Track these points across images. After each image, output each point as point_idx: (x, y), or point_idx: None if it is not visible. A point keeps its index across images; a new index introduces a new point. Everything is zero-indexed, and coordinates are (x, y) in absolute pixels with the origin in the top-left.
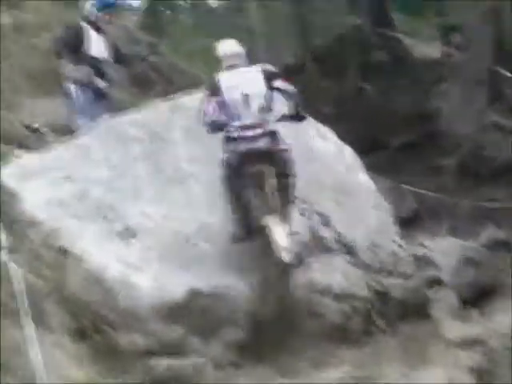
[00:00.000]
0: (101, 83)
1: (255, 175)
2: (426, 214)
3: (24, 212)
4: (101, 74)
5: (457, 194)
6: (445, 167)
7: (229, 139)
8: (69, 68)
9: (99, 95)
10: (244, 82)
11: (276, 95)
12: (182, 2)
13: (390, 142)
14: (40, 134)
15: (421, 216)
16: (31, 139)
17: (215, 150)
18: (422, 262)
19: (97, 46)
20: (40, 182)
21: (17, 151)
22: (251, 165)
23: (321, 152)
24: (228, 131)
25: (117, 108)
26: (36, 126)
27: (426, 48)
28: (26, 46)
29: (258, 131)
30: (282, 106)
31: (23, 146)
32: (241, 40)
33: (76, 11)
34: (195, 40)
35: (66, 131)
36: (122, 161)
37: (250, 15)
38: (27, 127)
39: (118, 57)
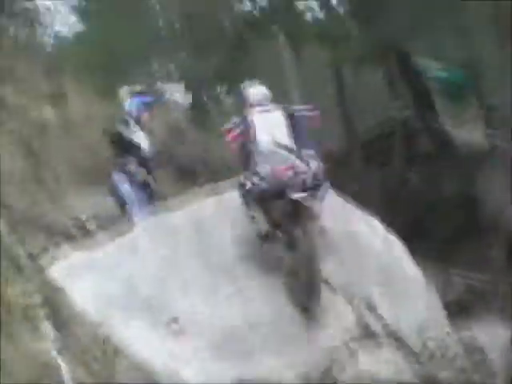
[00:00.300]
0: (146, 175)
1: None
2: (474, 299)
3: (72, 307)
4: (146, 166)
5: (504, 277)
6: (492, 253)
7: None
8: (116, 161)
9: (145, 187)
10: (271, 125)
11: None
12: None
13: (435, 228)
14: (87, 227)
15: (469, 301)
16: (78, 232)
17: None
18: (471, 347)
19: (141, 140)
20: (88, 277)
21: (64, 245)
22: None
23: (367, 240)
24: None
25: (162, 200)
26: (83, 218)
27: (470, 133)
28: (71, 140)
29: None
30: None
31: (69, 238)
32: None
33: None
34: None
35: (112, 223)
36: (170, 255)
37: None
38: (74, 220)
39: (162, 151)
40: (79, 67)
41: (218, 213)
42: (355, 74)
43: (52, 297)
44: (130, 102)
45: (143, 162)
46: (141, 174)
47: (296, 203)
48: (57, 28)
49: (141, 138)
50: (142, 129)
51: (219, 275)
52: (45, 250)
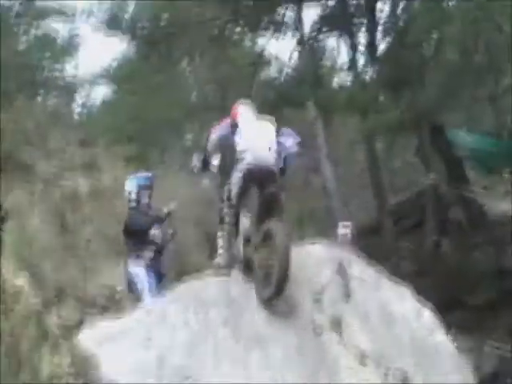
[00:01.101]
0: (158, 261)
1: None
2: (508, 372)
3: (103, 377)
4: (160, 253)
5: None
6: None
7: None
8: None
9: (157, 274)
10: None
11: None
12: None
13: (469, 299)
14: (119, 298)
15: (502, 374)
16: (109, 302)
17: (289, 313)
18: None
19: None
20: (119, 347)
21: (96, 315)
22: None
23: (399, 313)
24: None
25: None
26: (118, 289)
27: (502, 204)
28: (102, 210)
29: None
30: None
31: (101, 308)
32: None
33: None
34: None
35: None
36: (201, 325)
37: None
38: (105, 289)
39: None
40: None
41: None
42: (387, 146)
43: (84, 367)
44: (129, 183)
45: (158, 249)
46: (155, 260)
47: (274, 195)
48: (88, 97)
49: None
50: (148, 211)
51: (248, 341)
52: (78, 320)
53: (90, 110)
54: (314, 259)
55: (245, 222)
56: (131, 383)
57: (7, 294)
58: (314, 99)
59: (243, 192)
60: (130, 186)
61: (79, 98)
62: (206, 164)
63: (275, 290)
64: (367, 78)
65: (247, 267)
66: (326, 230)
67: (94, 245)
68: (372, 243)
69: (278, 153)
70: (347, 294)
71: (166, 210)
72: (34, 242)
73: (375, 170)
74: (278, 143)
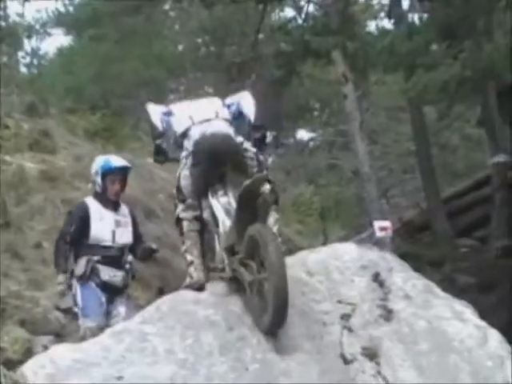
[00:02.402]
0: (107, 274)
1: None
2: None
3: None
4: (114, 261)
5: None
6: None
7: None
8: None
9: (111, 289)
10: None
11: None
12: None
13: None
14: (74, 316)
15: None
16: (63, 323)
17: (309, 336)
18: None
19: (104, 229)
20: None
21: (45, 339)
22: None
23: (456, 338)
24: None
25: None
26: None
27: None
28: (57, 201)
29: None
30: None
31: (52, 332)
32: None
33: None
34: None
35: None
36: (192, 353)
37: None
38: (57, 308)
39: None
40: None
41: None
42: (440, 114)
43: None
44: (94, 166)
45: (107, 257)
46: (106, 272)
47: (253, 186)
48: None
49: (102, 225)
50: (107, 207)
51: (255, 375)
52: (25, 349)
53: (40, 65)
54: (343, 265)
55: (226, 223)
56: None
57: None
58: (342, 48)
59: (200, 183)
60: (94, 170)
61: (26, 49)
62: (163, 152)
63: (273, 319)
64: (414, 21)
65: (236, 282)
66: (356, 227)
67: (46, 247)
68: (419, 246)
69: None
70: (386, 312)
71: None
72: None
73: (424, 147)
74: (228, 107)
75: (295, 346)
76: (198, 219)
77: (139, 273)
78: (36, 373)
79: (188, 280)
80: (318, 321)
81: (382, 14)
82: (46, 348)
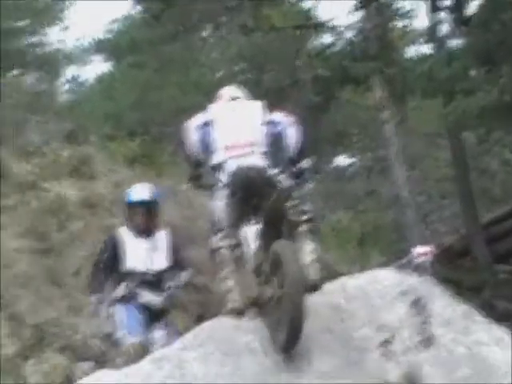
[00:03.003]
0: (146, 297)
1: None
2: None
3: None
4: (152, 286)
5: None
6: None
7: None
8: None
9: (150, 313)
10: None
11: None
12: None
13: None
14: (113, 342)
15: None
16: (103, 350)
17: (349, 362)
18: None
19: (138, 257)
20: None
21: (85, 365)
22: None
23: (497, 364)
24: None
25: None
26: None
27: None
28: (96, 227)
29: None
30: None
31: (91, 358)
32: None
33: None
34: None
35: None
36: (232, 381)
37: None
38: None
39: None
40: None
41: None
42: (479, 140)
43: None
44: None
45: (144, 281)
46: (144, 295)
47: (276, 205)
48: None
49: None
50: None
51: None
52: (65, 377)
53: (79, 92)
54: (382, 291)
55: (251, 247)
56: None
57: None
58: (380, 74)
59: (236, 213)
60: (124, 200)
61: (66, 76)
62: (198, 177)
63: (287, 337)
64: (453, 46)
65: (261, 305)
66: (396, 253)
67: (85, 274)
68: (459, 271)
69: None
70: (427, 338)
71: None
72: (7, 270)
73: (463, 172)
74: (271, 124)
75: (334, 373)
76: (235, 247)
77: (178, 299)
78: None
79: (226, 307)
80: (357, 347)
81: (421, 40)
82: (86, 375)
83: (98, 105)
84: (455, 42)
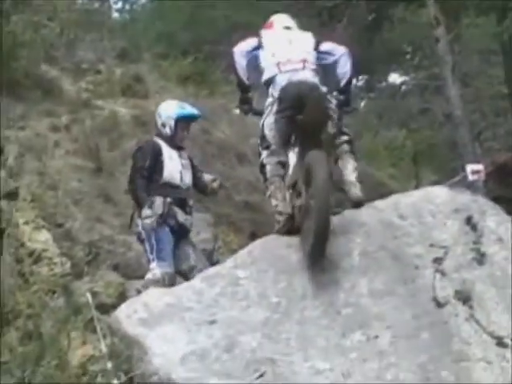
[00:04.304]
0: (181, 216)
1: None
2: None
3: (154, 369)
4: (181, 204)
5: None
6: None
7: None
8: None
9: (180, 232)
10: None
11: None
12: None
13: None
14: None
15: None
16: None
17: (401, 279)
18: None
19: (174, 169)
20: (174, 328)
21: (138, 283)
22: None
23: None
24: None
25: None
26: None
27: None
28: None
29: None
30: None
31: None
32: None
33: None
34: None
35: None
36: (285, 297)
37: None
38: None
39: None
40: None
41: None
42: None
43: (128, 355)
44: (167, 109)
45: (178, 199)
46: (180, 214)
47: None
48: None
49: (174, 167)
50: (178, 150)
51: (347, 319)
52: (119, 293)
53: (132, 11)
54: (435, 208)
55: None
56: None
57: (25, 256)
58: None
59: (285, 129)
60: (168, 114)
61: None
62: (247, 101)
63: (313, 243)
64: None
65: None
66: (449, 171)
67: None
68: None
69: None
70: (480, 256)
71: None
72: (60, 187)
73: None
74: (322, 53)
75: (388, 290)
76: (282, 164)
77: (232, 217)
78: (129, 317)
79: (276, 226)
80: (410, 264)
81: None
82: (139, 292)
83: (150, 23)
84: None
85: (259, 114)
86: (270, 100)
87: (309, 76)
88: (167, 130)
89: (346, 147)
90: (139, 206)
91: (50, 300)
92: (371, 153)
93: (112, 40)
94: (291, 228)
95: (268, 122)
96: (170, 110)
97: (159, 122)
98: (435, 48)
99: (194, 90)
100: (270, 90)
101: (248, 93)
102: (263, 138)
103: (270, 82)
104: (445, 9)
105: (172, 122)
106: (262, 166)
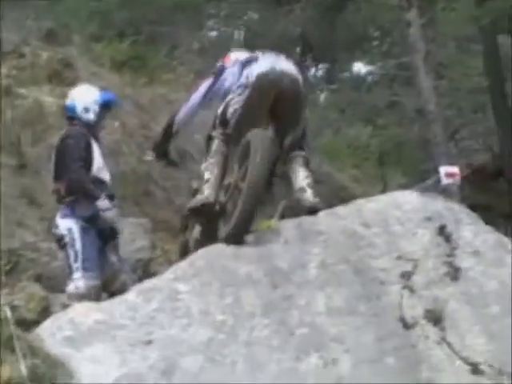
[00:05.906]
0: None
1: None
2: None
3: None
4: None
5: None
6: None
7: None
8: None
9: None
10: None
11: None
12: None
13: None
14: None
15: None
16: None
17: (365, 296)
18: None
19: (100, 163)
20: (104, 348)
21: (64, 297)
22: None
23: None
24: None
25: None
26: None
27: None
28: None
29: None
30: None
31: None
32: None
33: None
34: None
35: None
36: (231, 314)
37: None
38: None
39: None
40: None
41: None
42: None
43: (53, 378)
44: (88, 94)
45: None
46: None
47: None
48: None
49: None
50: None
51: (302, 339)
52: (42, 310)
53: None
54: (403, 215)
55: None
56: None
57: None
58: None
59: (250, 115)
60: (93, 98)
61: None
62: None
63: (233, 227)
64: None
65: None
66: (420, 174)
67: None
68: (491, 195)
69: None
70: (453, 270)
71: None
72: None
73: (498, 83)
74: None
75: (348, 308)
76: (228, 146)
77: (172, 222)
78: (53, 335)
79: (197, 197)
80: (374, 279)
81: None
82: (64, 307)
83: (82, 1)
84: None
85: (174, 165)
86: (242, 81)
87: (292, 67)
88: (90, 116)
89: (300, 161)
90: (92, 198)
91: None
92: (332, 152)
93: (37, 19)
94: (205, 213)
95: (234, 101)
96: (91, 94)
97: (80, 107)
98: (406, 33)
99: (130, 77)
100: (246, 71)
101: (169, 142)
102: (223, 114)
103: (249, 63)
104: None
105: (97, 107)
106: (210, 139)
